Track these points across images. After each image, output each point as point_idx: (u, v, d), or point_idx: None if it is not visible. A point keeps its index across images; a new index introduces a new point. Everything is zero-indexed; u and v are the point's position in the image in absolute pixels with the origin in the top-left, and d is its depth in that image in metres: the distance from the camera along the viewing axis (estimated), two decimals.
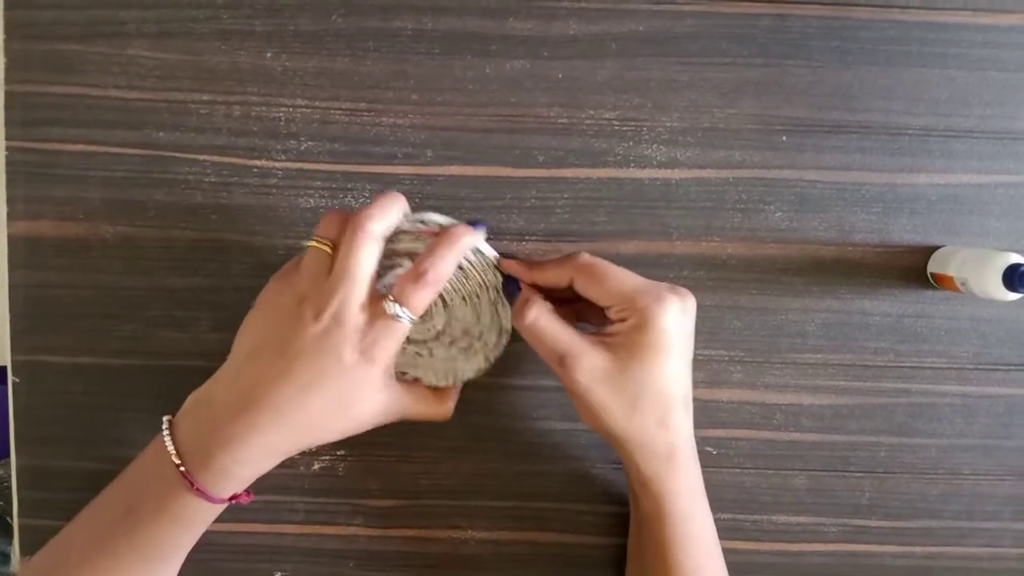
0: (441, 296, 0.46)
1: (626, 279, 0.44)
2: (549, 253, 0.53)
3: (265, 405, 0.43)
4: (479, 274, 0.46)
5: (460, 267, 0.45)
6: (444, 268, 0.43)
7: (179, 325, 0.53)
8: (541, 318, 0.44)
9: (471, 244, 0.45)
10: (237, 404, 0.43)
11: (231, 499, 0.45)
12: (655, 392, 0.43)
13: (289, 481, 0.53)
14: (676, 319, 0.43)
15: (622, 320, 0.43)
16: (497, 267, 0.46)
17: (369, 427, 0.45)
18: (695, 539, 0.45)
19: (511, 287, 0.46)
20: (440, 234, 0.44)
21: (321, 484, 0.54)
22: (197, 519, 0.45)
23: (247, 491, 0.46)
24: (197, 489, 0.43)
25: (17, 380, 0.52)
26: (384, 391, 0.44)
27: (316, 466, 0.53)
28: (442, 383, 0.48)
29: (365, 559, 0.54)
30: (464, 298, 0.46)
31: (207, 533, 0.48)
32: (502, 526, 0.54)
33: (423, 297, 0.43)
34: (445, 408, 0.48)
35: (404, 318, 0.42)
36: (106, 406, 0.53)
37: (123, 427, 0.52)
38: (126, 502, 0.45)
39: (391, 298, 0.42)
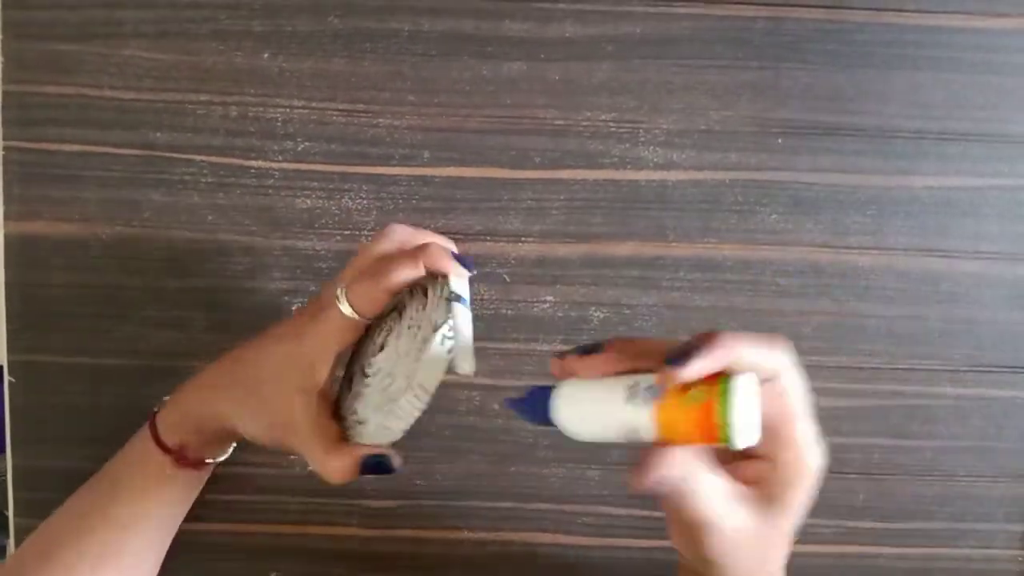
0: (398, 328, 0.40)
1: (808, 422, 0.33)
2: (545, 255, 0.53)
3: (230, 352, 0.45)
4: (432, 307, 0.38)
5: (425, 296, 0.39)
6: (395, 269, 0.38)
7: (175, 325, 0.53)
8: (699, 475, 0.31)
9: (441, 265, 0.38)
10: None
11: (177, 455, 0.44)
12: (783, 545, 0.35)
13: (284, 482, 0.53)
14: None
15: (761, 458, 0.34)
16: (449, 298, 0.37)
17: (269, 427, 0.41)
18: None
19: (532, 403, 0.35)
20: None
21: (316, 484, 0.53)
22: (158, 478, 0.45)
23: (199, 461, 0.46)
24: (152, 426, 0.45)
25: (13, 380, 0.52)
26: (300, 395, 0.40)
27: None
28: (355, 437, 0.40)
29: (360, 560, 0.54)
30: (409, 327, 0.39)
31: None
32: (497, 527, 0.54)
33: (362, 289, 0.39)
34: (330, 462, 0.39)
35: (342, 301, 0.39)
36: (102, 406, 0.53)
37: (119, 427, 0.52)
38: (108, 469, 0.47)
39: (343, 282, 0.40)
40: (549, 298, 0.53)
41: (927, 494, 0.55)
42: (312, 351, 0.40)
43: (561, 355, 0.33)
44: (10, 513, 0.53)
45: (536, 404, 0.34)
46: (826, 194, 0.53)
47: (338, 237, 0.53)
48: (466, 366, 0.36)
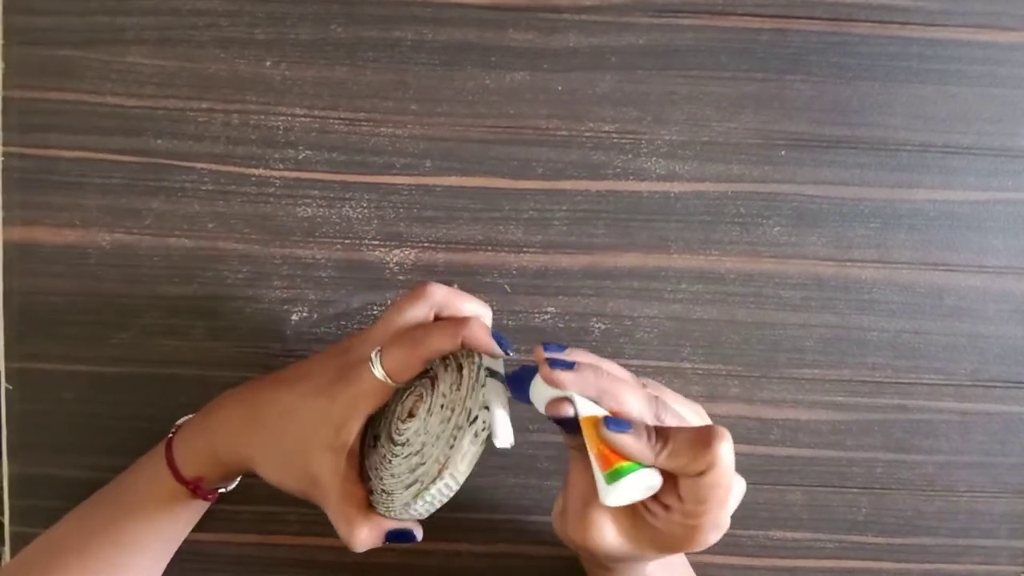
0: (429, 401, 0.41)
1: (722, 511, 0.38)
2: (547, 266, 0.53)
3: (248, 384, 0.45)
4: (467, 390, 0.39)
5: (460, 373, 0.40)
6: (432, 340, 0.39)
7: (174, 333, 0.52)
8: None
9: (480, 345, 0.39)
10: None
11: (193, 487, 0.45)
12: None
13: (282, 492, 0.53)
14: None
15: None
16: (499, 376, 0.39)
17: (296, 480, 0.42)
18: None
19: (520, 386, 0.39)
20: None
21: None
22: (170, 503, 0.45)
23: (213, 491, 0.46)
24: (169, 457, 0.44)
25: (10, 387, 0.52)
26: (328, 453, 0.41)
27: None
28: (379, 505, 0.41)
29: (359, 571, 0.53)
30: (442, 407, 0.40)
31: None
32: (497, 539, 0.54)
33: (398, 355, 0.39)
34: (357, 533, 0.40)
35: (376, 365, 0.40)
36: (100, 414, 0.52)
37: (116, 436, 0.52)
38: (119, 486, 0.47)
39: (379, 347, 0.40)
40: (551, 309, 0.53)
41: (929, 509, 0.54)
42: (343, 412, 0.40)
43: (545, 348, 0.38)
44: (6, 520, 0.52)
45: (519, 383, 0.39)
46: (829, 207, 0.53)
47: (338, 246, 0.52)
48: (503, 441, 0.38)
